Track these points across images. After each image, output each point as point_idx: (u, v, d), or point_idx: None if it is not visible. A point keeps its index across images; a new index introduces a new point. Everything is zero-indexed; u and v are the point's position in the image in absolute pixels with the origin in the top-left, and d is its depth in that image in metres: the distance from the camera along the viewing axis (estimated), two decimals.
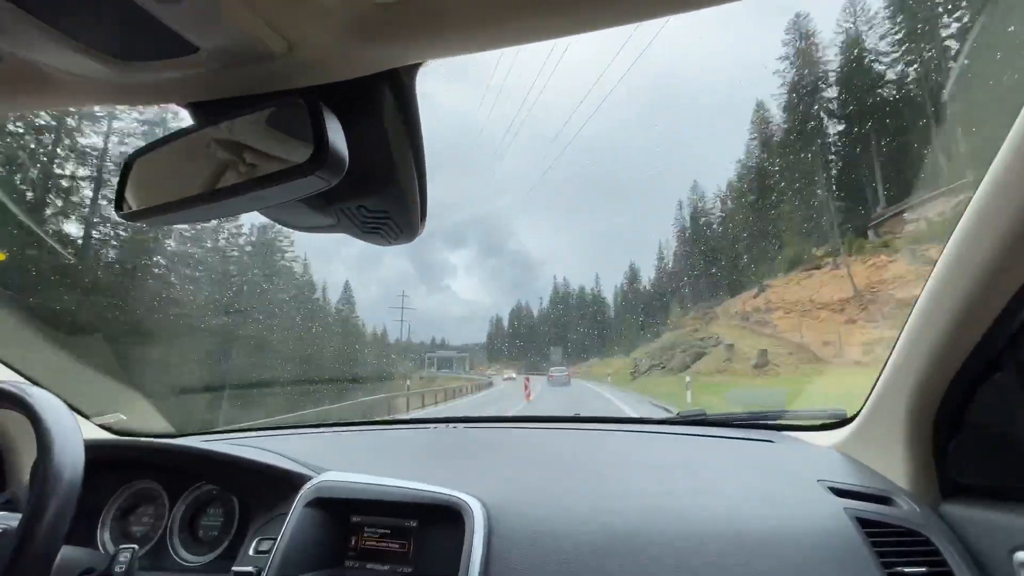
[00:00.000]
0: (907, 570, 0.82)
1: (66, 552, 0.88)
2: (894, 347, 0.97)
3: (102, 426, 1.66)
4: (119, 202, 0.50)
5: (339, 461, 1.23)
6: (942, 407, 0.89)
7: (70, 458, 0.81)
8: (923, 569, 0.82)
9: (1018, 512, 0.79)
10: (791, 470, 1.14)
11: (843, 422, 1.33)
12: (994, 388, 0.82)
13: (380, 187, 0.52)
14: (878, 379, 1.05)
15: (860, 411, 1.18)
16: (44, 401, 0.85)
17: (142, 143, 0.52)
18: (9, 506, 1.17)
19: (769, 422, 1.55)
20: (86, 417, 1.62)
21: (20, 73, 0.43)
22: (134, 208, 0.50)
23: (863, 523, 0.89)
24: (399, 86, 0.47)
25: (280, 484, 1.14)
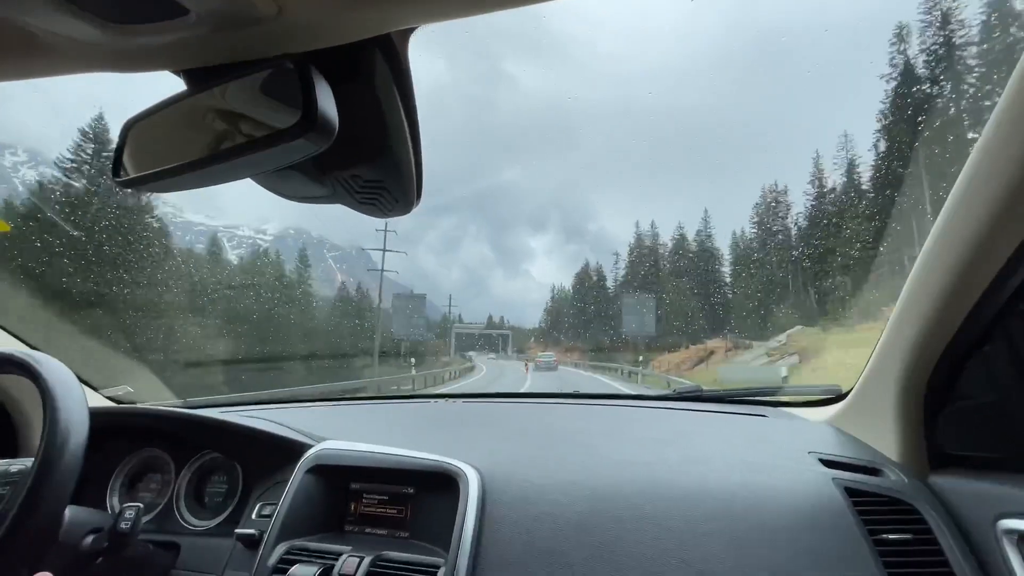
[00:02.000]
0: (892, 536, 0.84)
1: (74, 513, 0.91)
2: (887, 323, 0.98)
3: (110, 398, 1.69)
4: (116, 168, 0.51)
5: (339, 432, 1.26)
6: (931, 381, 0.90)
7: (75, 418, 0.83)
8: (908, 536, 0.84)
9: (1003, 481, 0.80)
10: (782, 442, 1.16)
11: (837, 398, 1.35)
12: (981, 362, 0.83)
13: (373, 155, 0.52)
14: (872, 354, 1.06)
15: (854, 386, 1.20)
16: (49, 365, 0.87)
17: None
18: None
19: (764, 398, 1.57)
20: (94, 389, 1.66)
21: (13, 38, 0.43)
22: (131, 175, 0.51)
23: (851, 492, 0.91)
24: (391, 52, 0.47)
25: (282, 452, 1.18)
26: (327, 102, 0.42)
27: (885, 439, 1.03)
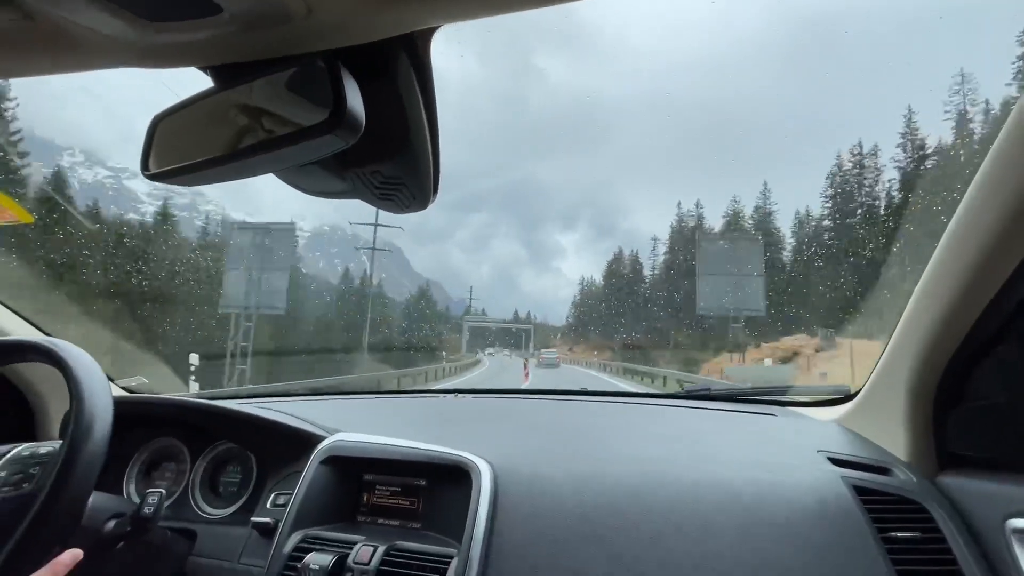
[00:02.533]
0: (901, 535, 0.84)
1: (96, 498, 0.93)
2: (898, 323, 0.98)
3: (125, 388, 1.73)
4: (144, 162, 0.52)
5: (352, 424, 1.28)
6: (942, 381, 0.90)
7: (101, 405, 0.85)
8: (917, 534, 0.84)
9: (1012, 481, 0.81)
10: (791, 441, 1.17)
11: (847, 397, 1.35)
12: (992, 363, 0.83)
13: (394, 152, 0.53)
14: (882, 354, 1.06)
15: (863, 386, 1.20)
16: (73, 353, 0.89)
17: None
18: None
19: (773, 397, 1.57)
20: (110, 379, 1.69)
21: (49, 33, 0.44)
22: (158, 169, 0.52)
23: (860, 491, 0.91)
24: (415, 51, 0.48)
25: (296, 443, 1.20)
26: (355, 98, 0.43)
27: (894, 439, 1.03)
